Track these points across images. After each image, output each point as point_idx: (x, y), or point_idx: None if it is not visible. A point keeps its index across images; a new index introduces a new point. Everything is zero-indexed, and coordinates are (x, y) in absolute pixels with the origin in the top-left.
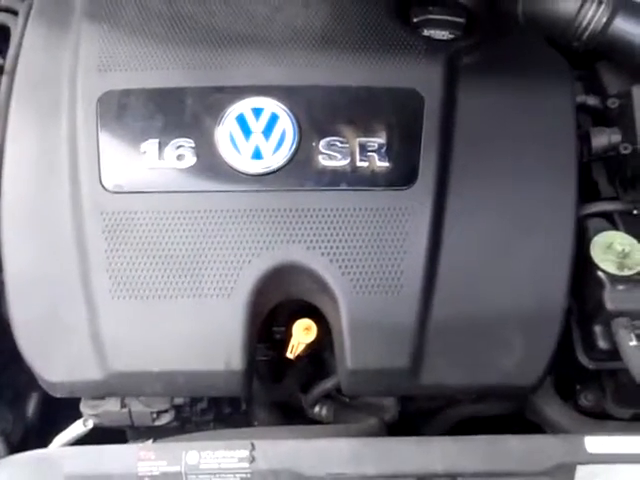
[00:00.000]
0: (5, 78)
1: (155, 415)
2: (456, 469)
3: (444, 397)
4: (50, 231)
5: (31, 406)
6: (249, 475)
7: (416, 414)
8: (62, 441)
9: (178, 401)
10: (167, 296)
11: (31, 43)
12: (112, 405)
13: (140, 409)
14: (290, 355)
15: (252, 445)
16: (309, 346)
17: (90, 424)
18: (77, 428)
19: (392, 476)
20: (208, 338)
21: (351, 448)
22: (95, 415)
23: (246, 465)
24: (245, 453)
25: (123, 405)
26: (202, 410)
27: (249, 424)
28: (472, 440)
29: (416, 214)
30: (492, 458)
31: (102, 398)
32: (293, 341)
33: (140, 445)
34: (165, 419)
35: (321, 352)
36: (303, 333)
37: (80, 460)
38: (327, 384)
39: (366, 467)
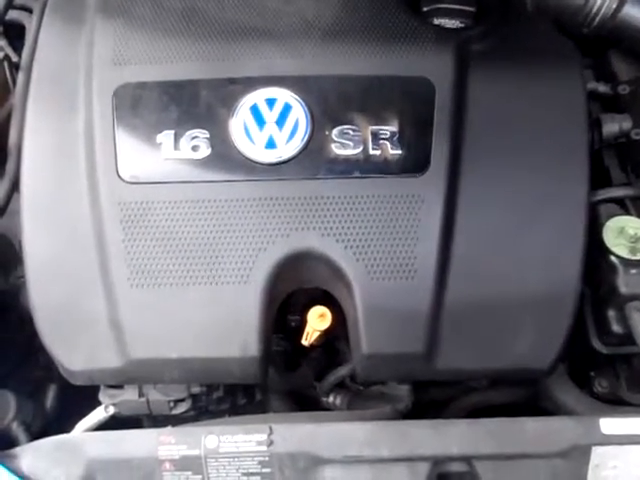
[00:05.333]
0: (22, 74)
1: (172, 404)
2: (471, 451)
3: (458, 382)
4: (69, 221)
5: (50, 398)
6: (267, 458)
7: (429, 404)
8: (84, 427)
9: (195, 390)
10: (184, 284)
11: (46, 39)
12: (130, 394)
13: (158, 398)
14: (305, 342)
15: (270, 429)
16: (323, 334)
17: (111, 410)
18: (98, 414)
19: (408, 459)
20: (225, 325)
21: (367, 431)
22: (114, 404)
23: (264, 448)
24: (263, 437)
25: (141, 394)
26: (218, 399)
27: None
28: (487, 423)
29: (429, 200)
30: (507, 440)
31: (121, 386)
32: (308, 328)
33: (160, 430)
34: (182, 408)
35: (335, 341)
36: (318, 320)
37: (102, 444)
38: (342, 371)
39: (382, 450)
